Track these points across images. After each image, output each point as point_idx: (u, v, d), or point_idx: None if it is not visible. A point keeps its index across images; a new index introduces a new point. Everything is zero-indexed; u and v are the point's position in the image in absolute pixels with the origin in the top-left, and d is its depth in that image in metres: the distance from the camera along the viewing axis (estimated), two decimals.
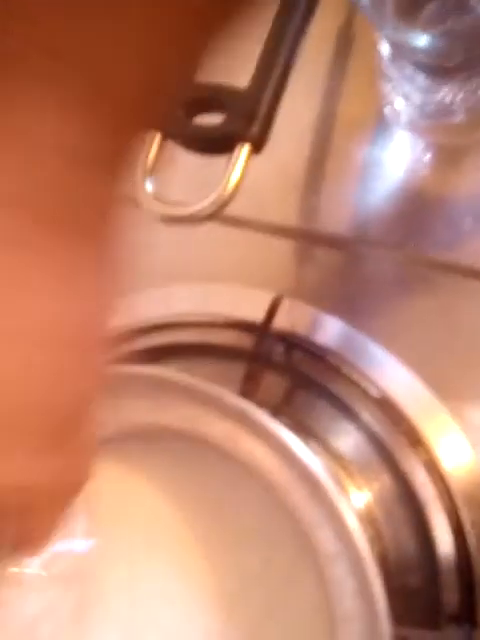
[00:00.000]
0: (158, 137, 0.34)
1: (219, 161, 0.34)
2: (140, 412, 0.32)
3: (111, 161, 0.19)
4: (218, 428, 0.30)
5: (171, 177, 0.35)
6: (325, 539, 0.31)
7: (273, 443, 0.30)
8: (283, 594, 0.33)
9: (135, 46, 0.17)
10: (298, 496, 0.30)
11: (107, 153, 0.18)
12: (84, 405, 0.20)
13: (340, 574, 0.31)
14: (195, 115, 0.34)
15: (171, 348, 0.43)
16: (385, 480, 0.40)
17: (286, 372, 0.42)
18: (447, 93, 0.43)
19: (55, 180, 0.18)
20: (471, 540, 0.39)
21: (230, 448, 0.30)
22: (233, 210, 0.34)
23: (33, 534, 0.22)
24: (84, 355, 0.20)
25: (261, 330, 0.41)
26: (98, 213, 0.19)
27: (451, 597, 0.38)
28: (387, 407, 0.41)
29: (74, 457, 0.20)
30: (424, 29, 0.35)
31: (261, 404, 0.32)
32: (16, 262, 0.18)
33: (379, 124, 0.45)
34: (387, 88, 0.44)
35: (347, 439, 0.41)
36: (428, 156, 0.45)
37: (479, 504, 0.39)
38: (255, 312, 0.42)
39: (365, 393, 0.41)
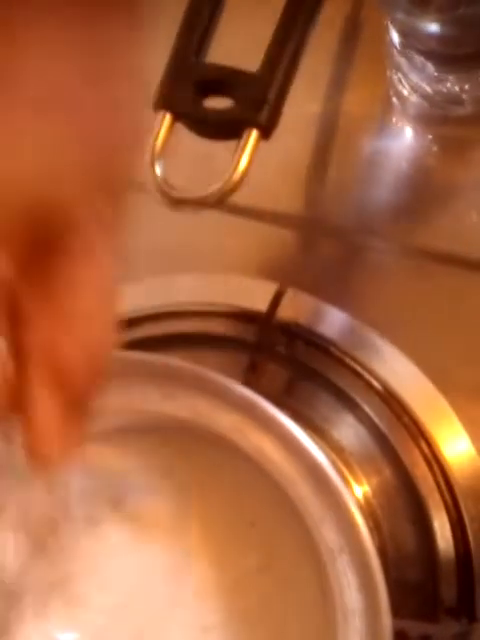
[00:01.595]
0: (168, 117, 0.33)
1: (222, 153, 0.34)
2: (143, 400, 0.32)
3: None
4: (224, 419, 0.30)
5: (175, 165, 0.35)
6: (328, 533, 0.30)
7: (279, 435, 0.30)
8: (284, 588, 0.33)
9: None
10: (302, 489, 0.30)
11: None
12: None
13: (342, 568, 0.30)
14: (205, 96, 0.33)
15: (173, 338, 0.43)
16: (385, 473, 0.40)
17: (288, 363, 0.41)
18: (454, 83, 0.42)
19: None
20: (470, 534, 0.39)
21: (236, 439, 0.30)
22: (237, 199, 0.34)
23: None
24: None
25: (264, 320, 0.41)
26: None
27: (449, 590, 0.38)
28: (389, 399, 0.41)
29: None
30: (436, 15, 0.34)
31: (263, 395, 0.32)
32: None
33: (386, 114, 0.45)
34: (395, 78, 0.43)
35: (348, 431, 0.41)
36: (434, 148, 0.45)
37: (479, 498, 0.39)
38: (258, 302, 0.41)
39: (367, 385, 0.41)
